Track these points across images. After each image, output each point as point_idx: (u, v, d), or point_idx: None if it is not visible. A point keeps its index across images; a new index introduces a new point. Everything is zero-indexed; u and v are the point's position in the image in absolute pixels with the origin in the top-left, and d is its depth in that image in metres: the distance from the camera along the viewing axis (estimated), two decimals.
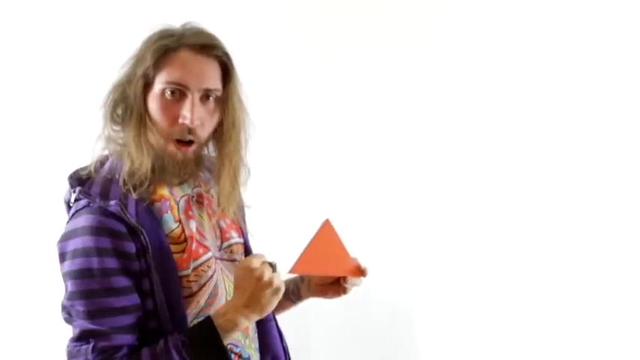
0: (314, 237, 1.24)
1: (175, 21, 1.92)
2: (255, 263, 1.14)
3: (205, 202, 1.33)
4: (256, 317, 1.17)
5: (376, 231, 2.05)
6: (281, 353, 1.39)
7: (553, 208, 1.98)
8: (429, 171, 2.05)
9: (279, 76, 2.03)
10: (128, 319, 1.15)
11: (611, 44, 1.93)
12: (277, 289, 1.14)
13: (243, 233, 1.41)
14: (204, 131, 1.24)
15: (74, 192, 1.21)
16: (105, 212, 1.15)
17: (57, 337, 1.98)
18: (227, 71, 1.24)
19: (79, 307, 1.13)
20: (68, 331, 1.20)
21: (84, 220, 1.15)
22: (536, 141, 1.99)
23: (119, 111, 1.23)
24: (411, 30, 2.04)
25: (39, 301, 2.11)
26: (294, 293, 1.44)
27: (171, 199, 1.26)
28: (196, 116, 1.19)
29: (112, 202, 1.16)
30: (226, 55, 1.24)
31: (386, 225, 2.07)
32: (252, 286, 1.13)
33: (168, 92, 1.20)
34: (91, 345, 1.12)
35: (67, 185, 1.25)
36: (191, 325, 1.20)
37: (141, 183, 1.20)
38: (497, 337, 2.00)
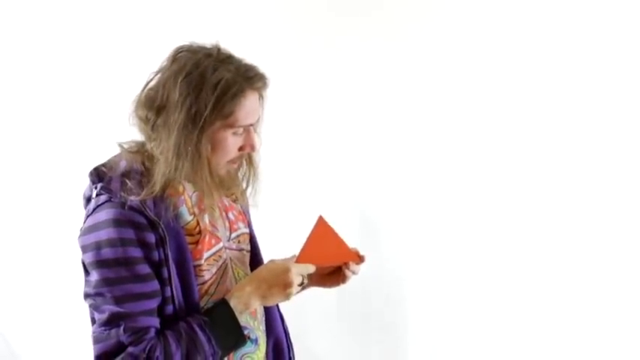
0: (310, 234, 1.33)
1: (176, 19, 1.94)
2: (294, 274, 1.30)
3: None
4: (260, 305, 1.34)
5: (370, 223, 2.10)
6: (282, 336, 1.50)
7: (541, 200, 1.97)
8: (420, 163, 2.06)
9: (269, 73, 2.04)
10: (152, 304, 1.23)
11: (608, 37, 1.89)
12: (287, 298, 1.32)
13: (248, 223, 1.52)
14: None
15: (95, 188, 1.28)
16: (126, 206, 1.23)
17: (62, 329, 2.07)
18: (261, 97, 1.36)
19: (107, 293, 1.21)
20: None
21: (106, 214, 1.23)
22: (530, 136, 1.96)
23: (182, 148, 1.25)
24: (403, 24, 2.02)
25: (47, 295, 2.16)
26: None
27: (185, 194, 1.34)
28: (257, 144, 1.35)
29: (132, 197, 1.24)
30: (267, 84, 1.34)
31: (380, 217, 2.10)
32: (276, 284, 1.30)
33: (239, 131, 1.30)
34: (121, 327, 1.19)
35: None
36: (203, 309, 1.31)
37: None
38: (488, 326, 2.03)
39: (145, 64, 1.76)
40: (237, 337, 1.29)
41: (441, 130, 2.04)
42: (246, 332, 1.33)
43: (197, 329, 1.23)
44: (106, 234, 1.22)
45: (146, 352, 1.19)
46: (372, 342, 2.14)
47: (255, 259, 1.51)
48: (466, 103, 2.00)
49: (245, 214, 1.52)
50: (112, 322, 1.20)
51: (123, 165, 1.31)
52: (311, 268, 1.33)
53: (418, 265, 2.09)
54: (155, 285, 1.24)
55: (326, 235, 1.34)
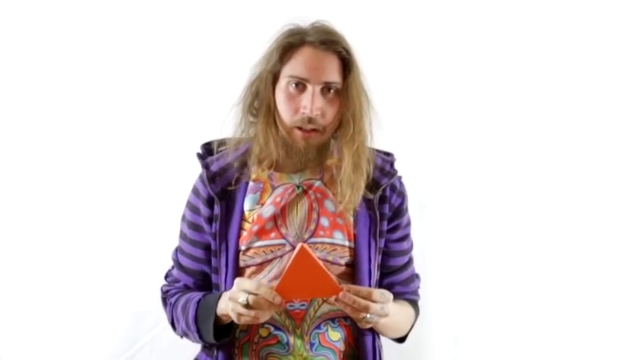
0: (289, 263, 1.20)
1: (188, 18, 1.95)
2: (237, 289, 1.22)
3: (313, 194, 1.39)
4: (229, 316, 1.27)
5: None
6: None
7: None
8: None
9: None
10: (192, 265, 1.43)
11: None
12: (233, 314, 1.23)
13: (357, 239, 1.38)
14: (325, 120, 1.34)
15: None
16: (201, 178, 1.42)
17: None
18: (347, 65, 1.35)
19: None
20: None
21: (196, 180, 1.46)
22: (537, 138, 1.94)
23: (255, 104, 1.39)
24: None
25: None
26: None
27: (267, 183, 1.40)
28: (315, 106, 1.31)
29: (202, 172, 1.41)
30: (346, 50, 1.35)
31: None
32: (230, 297, 1.24)
33: (292, 85, 1.33)
34: (171, 269, 1.50)
35: None
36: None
37: (269, 166, 1.40)
38: None
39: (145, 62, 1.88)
40: (208, 327, 1.31)
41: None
42: (274, 332, 1.33)
43: (190, 303, 1.36)
44: (189, 196, 1.46)
45: (165, 293, 1.47)
46: None
47: (357, 276, 1.37)
48: (472, 111, 1.95)
49: (350, 228, 1.37)
50: (172, 259, 1.50)
51: (237, 146, 1.41)
52: (262, 289, 1.19)
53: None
54: (198, 252, 1.42)
55: (306, 265, 1.19)
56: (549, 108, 1.93)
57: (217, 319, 1.32)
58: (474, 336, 1.94)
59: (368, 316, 1.23)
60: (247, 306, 1.20)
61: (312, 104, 1.31)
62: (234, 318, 1.24)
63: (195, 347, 1.52)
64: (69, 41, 1.95)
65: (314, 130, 1.34)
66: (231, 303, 1.23)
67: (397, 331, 1.47)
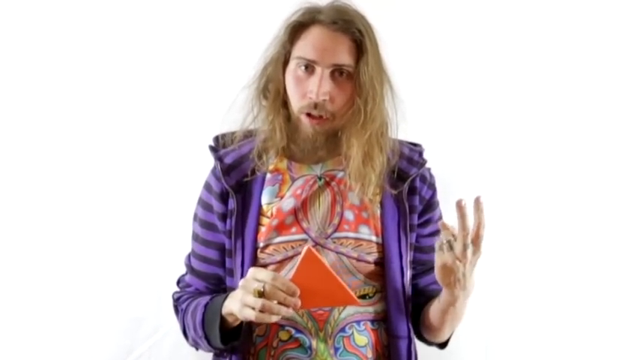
0: (296, 269, 1.10)
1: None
2: (250, 275, 1.11)
3: (336, 186, 1.30)
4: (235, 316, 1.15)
5: None
6: None
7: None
8: None
9: None
10: (205, 268, 1.34)
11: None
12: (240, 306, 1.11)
13: (384, 234, 1.28)
14: (334, 106, 1.24)
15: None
16: (214, 172, 1.34)
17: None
18: (360, 47, 1.24)
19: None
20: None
21: (208, 175, 1.37)
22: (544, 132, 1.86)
23: (269, 87, 1.30)
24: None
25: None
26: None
27: (286, 174, 1.31)
28: (322, 91, 1.21)
29: (215, 165, 1.32)
30: (359, 31, 1.24)
31: None
32: (242, 285, 1.12)
33: (301, 67, 1.24)
34: (184, 275, 1.40)
35: None
36: None
37: (277, 154, 1.30)
38: None
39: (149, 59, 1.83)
40: (215, 330, 1.19)
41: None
42: (296, 334, 1.23)
43: (202, 305, 1.25)
44: (201, 192, 1.38)
45: (176, 300, 1.36)
46: None
47: (387, 275, 1.27)
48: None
49: (376, 222, 1.28)
50: (185, 265, 1.40)
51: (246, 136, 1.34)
52: (280, 280, 1.08)
53: None
54: (213, 253, 1.32)
55: (314, 270, 1.09)
56: (575, 100, 1.87)
57: (223, 322, 1.20)
58: (506, 344, 1.86)
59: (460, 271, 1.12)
60: (261, 295, 1.06)
61: (319, 88, 1.21)
62: (238, 311, 1.11)
63: (197, 357, 1.43)
64: (76, 39, 1.88)
65: (322, 116, 1.24)
66: (240, 292, 1.10)
67: (453, 325, 1.30)
